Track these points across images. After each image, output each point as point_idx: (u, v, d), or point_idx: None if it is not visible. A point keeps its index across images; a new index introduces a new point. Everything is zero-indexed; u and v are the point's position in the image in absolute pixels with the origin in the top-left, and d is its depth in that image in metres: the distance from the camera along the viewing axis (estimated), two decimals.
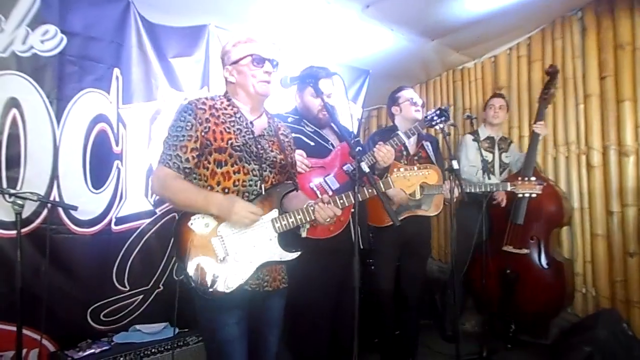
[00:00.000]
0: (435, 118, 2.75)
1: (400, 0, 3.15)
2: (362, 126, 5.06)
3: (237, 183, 1.74)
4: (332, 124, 2.64)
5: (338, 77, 2.10)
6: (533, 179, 2.96)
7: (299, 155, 2.36)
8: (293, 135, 2.42)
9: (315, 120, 2.56)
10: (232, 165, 1.74)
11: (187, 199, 1.67)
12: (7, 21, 2.27)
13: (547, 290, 3.34)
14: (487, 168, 3.29)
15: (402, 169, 1.86)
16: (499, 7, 3.36)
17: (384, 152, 2.45)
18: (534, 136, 3.46)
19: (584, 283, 3.67)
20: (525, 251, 3.35)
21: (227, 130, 1.75)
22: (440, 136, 3.88)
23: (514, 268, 3.33)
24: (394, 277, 3.09)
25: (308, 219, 1.77)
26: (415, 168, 1.85)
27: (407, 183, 1.85)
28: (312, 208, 1.76)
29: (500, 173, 3.72)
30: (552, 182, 3.59)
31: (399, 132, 2.73)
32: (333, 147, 2.59)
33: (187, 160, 1.70)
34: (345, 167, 2.46)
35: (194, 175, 1.76)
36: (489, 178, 3.40)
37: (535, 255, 3.37)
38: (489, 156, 3.68)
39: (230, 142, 1.73)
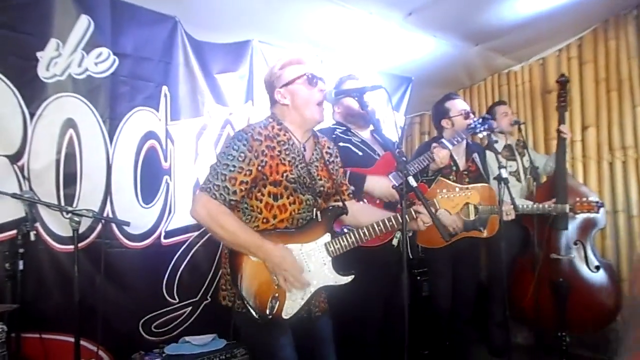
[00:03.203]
0: (479, 126, 2.70)
1: (443, 6, 3.08)
2: (405, 133, 5.00)
3: (292, 213, 1.74)
4: (376, 136, 2.65)
5: (383, 90, 2.08)
6: (592, 199, 2.97)
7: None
8: (341, 145, 2.45)
9: (362, 118, 2.56)
10: (287, 198, 1.72)
11: (237, 242, 1.64)
12: (64, 46, 2.40)
13: (601, 293, 3.22)
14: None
15: (444, 190, 1.85)
16: (549, 7, 3.23)
17: (444, 154, 2.56)
18: (560, 141, 3.38)
19: None
20: (572, 256, 3.25)
21: (282, 161, 1.72)
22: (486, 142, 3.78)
23: (563, 276, 3.22)
24: (451, 294, 3.01)
25: (361, 240, 1.77)
26: (457, 189, 1.85)
27: (452, 203, 1.84)
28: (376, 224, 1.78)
29: (525, 178, 3.63)
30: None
31: (444, 140, 2.69)
32: (379, 156, 2.58)
33: (235, 192, 1.64)
34: (391, 176, 2.46)
35: (245, 206, 1.73)
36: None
37: (583, 260, 3.26)
38: (512, 165, 3.57)
39: (285, 174, 1.70)
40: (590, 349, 3.38)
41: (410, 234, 2.62)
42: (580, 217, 3.27)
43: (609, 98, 3.66)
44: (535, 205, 3.03)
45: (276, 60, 1.88)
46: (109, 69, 2.52)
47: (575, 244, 3.28)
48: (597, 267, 3.23)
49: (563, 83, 3.52)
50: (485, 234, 2.91)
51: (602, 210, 3.28)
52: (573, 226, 3.28)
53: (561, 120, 3.44)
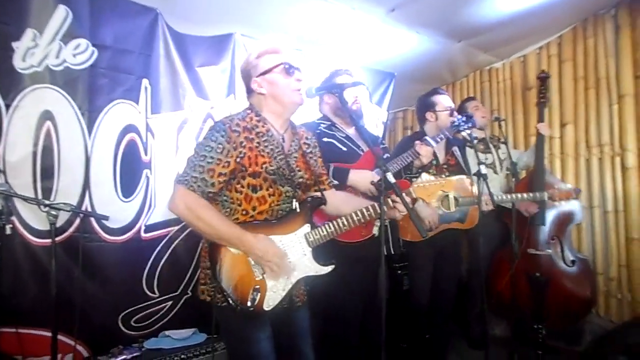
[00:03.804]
0: (462, 124, 2.73)
1: (426, 2, 3.09)
2: (387, 128, 5.03)
3: (272, 205, 1.74)
4: (359, 131, 2.65)
5: (363, 87, 2.09)
6: (569, 186, 3.02)
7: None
8: (325, 140, 2.44)
9: (354, 116, 2.54)
10: (267, 189, 1.72)
11: (217, 235, 1.64)
12: (41, 36, 2.35)
13: (576, 287, 3.30)
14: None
15: (419, 179, 1.87)
16: (529, 6, 3.27)
17: (425, 150, 2.59)
18: (539, 137, 3.43)
19: (619, 288, 3.56)
20: (548, 251, 3.33)
21: (262, 153, 1.71)
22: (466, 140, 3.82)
23: (540, 270, 3.30)
24: (431, 288, 3.04)
25: (340, 230, 1.78)
26: (432, 178, 1.87)
27: (427, 192, 1.86)
28: (355, 214, 1.79)
29: (502, 169, 3.70)
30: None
31: (428, 138, 2.71)
32: (363, 152, 2.59)
33: (212, 184, 1.64)
34: (375, 171, 2.48)
35: (225, 198, 1.73)
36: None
37: (559, 255, 3.34)
38: (489, 157, 3.63)
39: (264, 166, 1.70)
40: (565, 340, 3.46)
41: (387, 222, 2.61)
42: (557, 212, 3.35)
43: (586, 96, 3.74)
44: (514, 196, 3.07)
45: (252, 49, 1.87)
46: (88, 61, 2.48)
47: (552, 239, 3.35)
48: (573, 262, 3.31)
49: (543, 79, 3.57)
50: (465, 225, 2.95)
51: (578, 205, 3.37)
52: (550, 222, 3.35)
53: (541, 116, 3.49)
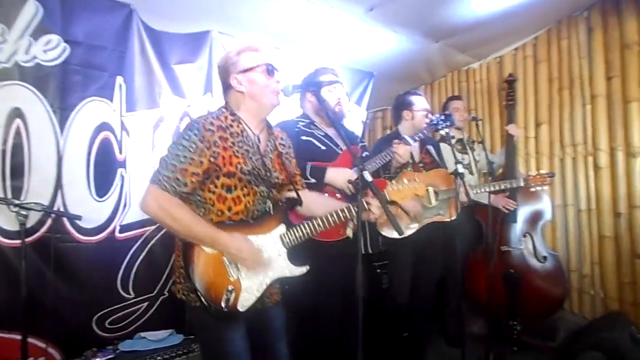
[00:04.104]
0: (441, 122, 2.76)
1: (404, 2, 3.11)
2: (367, 128, 5.05)
3: (248, 205, 1.73)
4: (337, 130, 2.65)
5: (341, 86, 2.07)
6: (543, 171, 3.14)
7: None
8: (304, 138, 2.43)
9: (332, 115, 2.51)
10: (242, 189, 1.71)
11: (191, 235, 1.61)
12: (10, 31, 2.29)
13: (548, 282, 3.38)
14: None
15: (393, 182, 1.92)
16: (505, 7, 3.32)
17: (404, 150, 2.59)
18: (509, 138, 3.53)
19: (592, 285, 3.63)
20: (520, 248, 3.41)
21: (236, 154, 1.69)
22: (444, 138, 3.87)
23: (513, 267, 3.37)
24: (410, 287, 3.06)
25: (315, 231, 1.77)
26: (405, 181, 1.92)
27: (400, 195, 1.91)
28: (330, 215, 1.79)
29: (477, 170, 3.77)
30: None
31: (406, 137, 2.72)
32: (342, 150, 2.58)
33: (185, 184, 1.60)
34: (353, 170, 2.47)
35: (198, 198, 1.70)
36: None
37: (531, 251, 3.43)
38: (465, 158, 3.69)
39: (239, 166, 1.68)
40: (539, 337, 3.52)
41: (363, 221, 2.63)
42: (528, 209, 3.44)
43: (561, 96, 3.80)
44: (490, 187, 3.11)
45: (231, 46, 1.85)
46: (60, 57, 2.42)
47: (524, 236, 3.43)
48: (545, 258, 3.39)
49: (511, 82, 3.66)
50: (447, 217, 2.98)
51: (549, 203, 3.45)
52: (522, 219, 3.43)
53: (509, 118, 3.57)
